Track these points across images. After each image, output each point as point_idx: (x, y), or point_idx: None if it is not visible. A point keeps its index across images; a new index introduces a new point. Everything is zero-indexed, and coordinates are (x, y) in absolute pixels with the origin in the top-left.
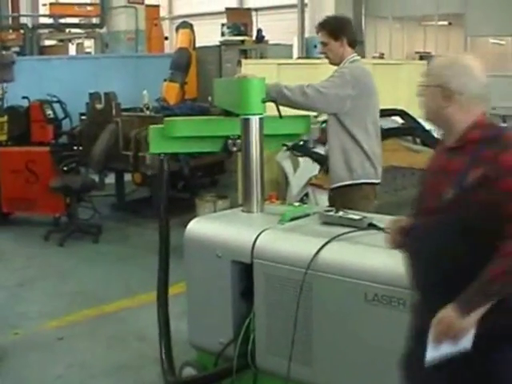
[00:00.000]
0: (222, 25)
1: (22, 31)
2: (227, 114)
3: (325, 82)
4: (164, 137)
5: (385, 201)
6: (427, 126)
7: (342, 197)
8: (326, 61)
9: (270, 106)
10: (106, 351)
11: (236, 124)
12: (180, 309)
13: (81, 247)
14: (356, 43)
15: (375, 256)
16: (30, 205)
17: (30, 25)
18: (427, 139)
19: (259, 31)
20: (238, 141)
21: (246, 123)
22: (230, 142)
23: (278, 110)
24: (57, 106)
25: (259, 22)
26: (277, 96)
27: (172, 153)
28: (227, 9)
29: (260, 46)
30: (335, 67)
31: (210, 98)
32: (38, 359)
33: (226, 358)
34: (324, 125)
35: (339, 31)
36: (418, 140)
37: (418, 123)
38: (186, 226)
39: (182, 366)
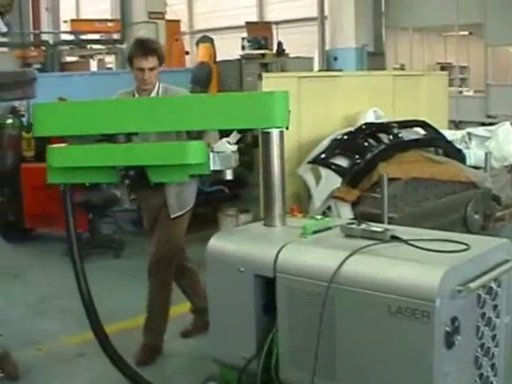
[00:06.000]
0: (243, 39)
1: (43, 48)
2: (109, 140)
3: None
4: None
5: (407, 212)
6: (449, 136)
7: (187, 219)
8: (347, 73)
9: None
10: None
11: (125, 152)
12: None
13: (102, 263)
14: None
15: (398, 268)
16: (52, 220)
17: (51, 42)
18: (449, 150)
19: (279, 44)
20: (131, 172)
21: (266, 137)
22: (121, 173)
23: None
24: None
25: (279, 35)
26: None
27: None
28: (247, 23)
29: (280, 60)
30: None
31: None
32: (60, 375)
33: (249, 372)
34: None
35: (164, 56)
36: (440, 151)
37: (440, 134)
38: (208, 241)
39: (205, 381)
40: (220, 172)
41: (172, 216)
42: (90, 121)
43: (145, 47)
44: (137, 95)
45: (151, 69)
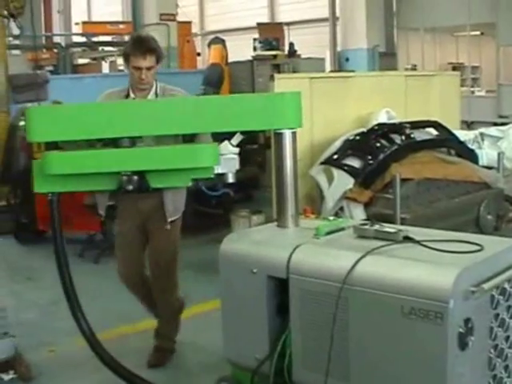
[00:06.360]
0: (254, 40)
1: (55, 50)
2: (115, 144)
3: None
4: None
5: (419, 213)
6: (461, 137)
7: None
8: (359, 74)
9: None
10: (141, 368)
11: (129, 157)
12: (215, 325)
13: (115, 264)
14: None
15: (411, 269)
16: (65, 222)
17: (63, 44)
18: (462, 150)
19: (291, 45)
20: (135, 177)
21: (278, 138)
22: (124, 178)
23: None
24: None
25: (291, 36)
26: None
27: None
28: (259, 24)
29: (292, 61)
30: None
31: None
32: (72, 377)
33: (262, 374)
34: None
35: (163, 55)
36: (452, 151)
37: (453, 134)
38: (220, 242)
39: (218, 382)
40: (222, 175)
41: (169, 219)
42: (88, 124)
43: (143, 46)
44: (132, 95)
45: (149, 68)
